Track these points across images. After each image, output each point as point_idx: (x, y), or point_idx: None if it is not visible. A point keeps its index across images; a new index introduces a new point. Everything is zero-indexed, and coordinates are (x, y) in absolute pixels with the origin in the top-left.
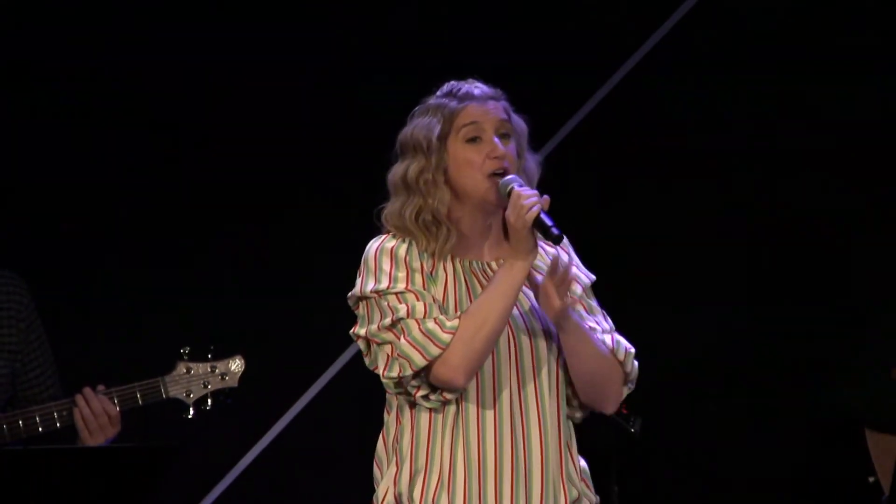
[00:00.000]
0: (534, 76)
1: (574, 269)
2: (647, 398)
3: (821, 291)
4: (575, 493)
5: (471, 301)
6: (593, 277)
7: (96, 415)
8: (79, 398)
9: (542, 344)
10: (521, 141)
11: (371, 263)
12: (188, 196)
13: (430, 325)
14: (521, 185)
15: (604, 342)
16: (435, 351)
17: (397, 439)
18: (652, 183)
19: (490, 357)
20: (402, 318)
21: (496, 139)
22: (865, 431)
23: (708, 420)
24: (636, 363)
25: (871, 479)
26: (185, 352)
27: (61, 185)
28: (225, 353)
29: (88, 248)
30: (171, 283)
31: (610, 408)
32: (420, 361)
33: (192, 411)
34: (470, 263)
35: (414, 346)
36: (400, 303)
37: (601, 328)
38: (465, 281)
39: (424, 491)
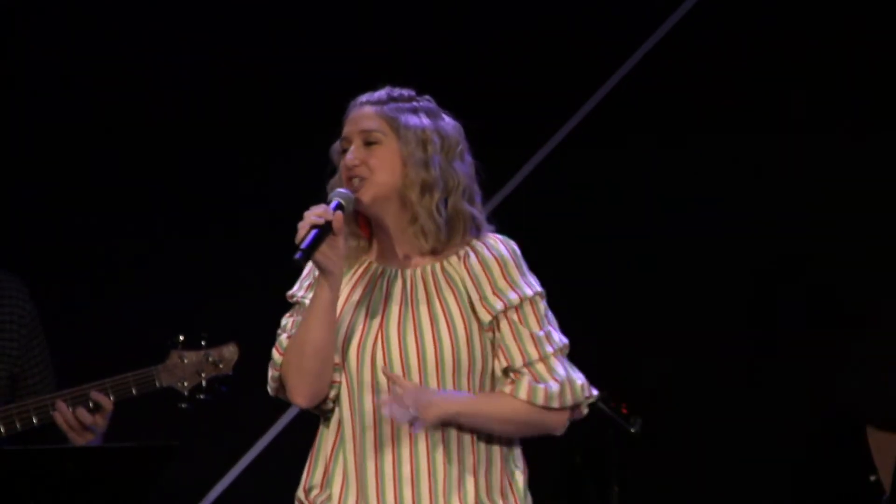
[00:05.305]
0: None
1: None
2: (647, 398)
3: (822, 287)
4: None
5: (368, 304)
6: (539, 289)
7: (81, 421)
8: (56, 416)
9: (431, 353)
10: (411, 145)
11: None
12: (187, 192)
13: (274, 349)
14: (337, 201)
15: (513, 402)
16: (275, 374)
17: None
18: (651, 180)
19: (368, 368)
20: (278, 335)
21: (350, 149)
22: (867, 429)
23: (708, 420)
24: (579, 385)
25: (872, 478)
26: (178, 340)
27: (59, 182)
28: (218, 341)
29: (85, 240)
30: (171, 281)
31: (557, 433)
32: (271, 383)
33: (187, 400)
34: (376, 268)
35: (270, 367)
36: (288, 316)
37: (517, 366)
38: (367, 285)
39: (316, 497)
